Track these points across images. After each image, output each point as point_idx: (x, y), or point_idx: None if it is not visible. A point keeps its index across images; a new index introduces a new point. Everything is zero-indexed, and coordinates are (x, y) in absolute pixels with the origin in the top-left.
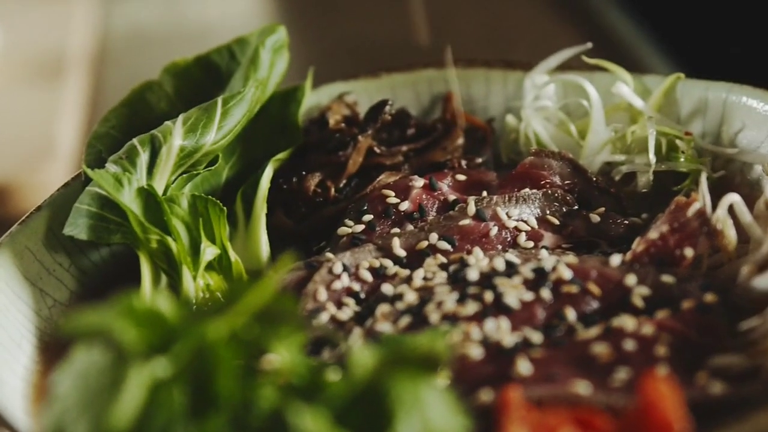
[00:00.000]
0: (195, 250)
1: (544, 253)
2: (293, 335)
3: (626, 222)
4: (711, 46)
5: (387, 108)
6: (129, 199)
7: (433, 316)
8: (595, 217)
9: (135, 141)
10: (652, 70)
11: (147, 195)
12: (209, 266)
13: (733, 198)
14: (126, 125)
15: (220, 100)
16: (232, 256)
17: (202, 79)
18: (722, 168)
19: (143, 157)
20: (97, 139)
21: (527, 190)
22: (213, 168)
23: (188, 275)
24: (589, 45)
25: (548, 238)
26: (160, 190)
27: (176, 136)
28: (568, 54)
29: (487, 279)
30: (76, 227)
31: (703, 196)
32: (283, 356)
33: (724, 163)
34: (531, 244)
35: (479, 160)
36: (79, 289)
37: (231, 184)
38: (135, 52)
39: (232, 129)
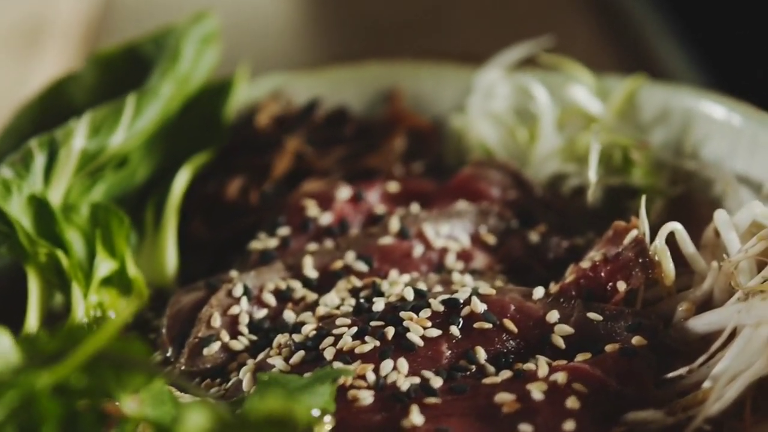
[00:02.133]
0: (91, 264)
1: (467, 278)
2: (140, 381)
3: (566, 243)
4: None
5: (319, 107)
6: (18, 208)
7: (328, 353)
8: (534, 237)
9: (32, 142)
10: (676, 75)
11: (39, 203)
12: (107, 281)
13: (674, 226)
14: (41, 121)
15: (130, 97)
16: (132, 270)
17: (129, 71)
18: (683, 183)
19: (39, 161)
20: (6, 136)
21: (461, 204)
22: (125, 171)
23: (78, 292)
24: (549, 39)
25: (480, 258)
26: (57, 197)
27: (78, 137)
28: (526, 49)
29: (392, 311)
30: None
31: (642, 222)
32: (127, 405)
33: (686, 177)
34: (460, 265)
35: (418, 166)
36: None
37: (149, 187)
38: (139, 24)
39: (144, 129)
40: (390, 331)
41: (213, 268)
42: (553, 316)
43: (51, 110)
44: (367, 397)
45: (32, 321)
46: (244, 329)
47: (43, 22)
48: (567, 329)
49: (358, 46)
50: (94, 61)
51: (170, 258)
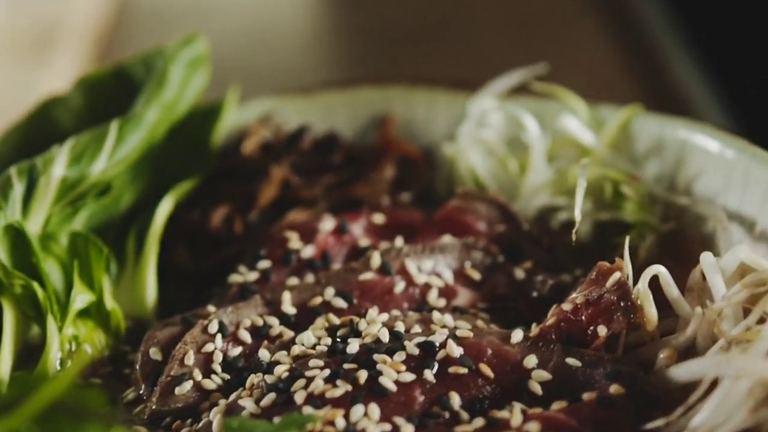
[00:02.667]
0: (69, 296)
1: (447, 318)
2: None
3: (552, 281)
4: None
5: (308, 134)
6: None
7: (299, 396)
8: (519, 273)
9: (12, 170)
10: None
11: (16, 233)
12: (85, 313)
13: (658, 269)
14: (27, 146)
15: (113, 124)
16: (109, 303)
17: (117, 94)
18: (675, 218)
19: (18, 190)
20: None
21: (446, 238)
22: (108, 199)
23: (53, 325)
24: (544, 66)
25: (463, 295)
26: (36, 226)
27: (58, 165)
28: (522, 76)
29: (366, 354)
30: None
31: (626, 264)
32: None
33: (678, 213)
34: (442, 302)
35: (406, 196)
36: None
37: (133, 215)
38: (151, 30)
39: (127, 156)
40: (362, 375)
41: (195, 298)
42: (531, 360)
43: (37, 134)
44: None
45: (6, 354)
46: (218, 368)
47: (55, 27)
48: (544, 375)
49: (367, 53)
50: (82, 84)
51: (150, 289)
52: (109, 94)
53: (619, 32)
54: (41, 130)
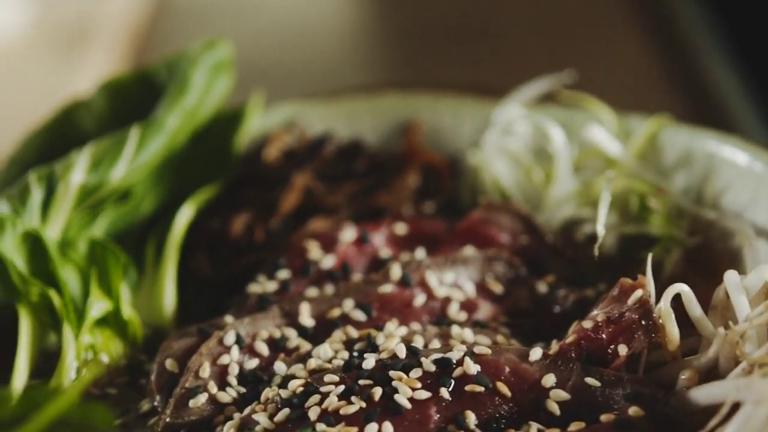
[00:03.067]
0: (86, 304)
1: (466, 332)
2: None
3: (574, 297)
4: None
5: (331, 141)
6: (11, 246)
7: (313, 413)
8: (542, 287)
9: (31, 176)
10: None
11: (33, 240)
12: (102, 321)
13: (681, 288)
14: (49, 150)
15: (134, 129)
16: (127, 311)
17: (141, 98)
18: (702, 232)
19: (36, 196)
20: (14, 166)
21: (468, 250)
22: (128, 205)
23: (69, 334)
24: (572, 74)
25: (485, 309)
26: (55, 233)
27: (77, 171)
28: (550, 83)
29: (382, 369)
30: None
31: (648, 282)
32: None
33: (705, 227)
34: (463, 315)
35: (429, 205)
36: None
37: (154, 221)
38: (187, 28)
39: (148, 162)
40: (377, 392)
41: (215, 305)
42: (550, 379)
43: (60, 138)
44: None
45: (23, 362)
46: (233, 380)
47: (90, 24)
48: (563, 395)
49: (394, 57)
50: (105, 88)
51: (168, 298)
52: (133, 98)
53: (654, 38)
54: (64, 134)
